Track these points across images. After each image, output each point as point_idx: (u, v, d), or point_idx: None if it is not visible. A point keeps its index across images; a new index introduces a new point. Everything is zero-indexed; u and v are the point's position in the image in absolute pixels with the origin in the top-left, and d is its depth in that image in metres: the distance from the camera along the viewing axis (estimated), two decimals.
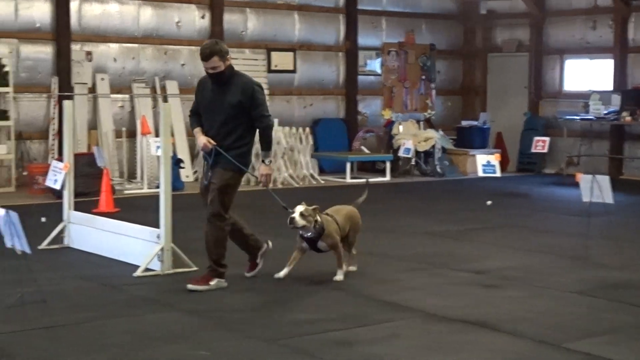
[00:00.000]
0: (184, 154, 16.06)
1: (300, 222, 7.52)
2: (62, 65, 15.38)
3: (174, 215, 8.15)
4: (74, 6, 15.63)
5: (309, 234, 7.68)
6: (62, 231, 9.42)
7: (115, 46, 16.19)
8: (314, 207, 7.64)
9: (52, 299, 6.97)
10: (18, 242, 6.94)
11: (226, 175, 7.44)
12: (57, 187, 9.55)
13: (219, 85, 7.51)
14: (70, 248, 9.32)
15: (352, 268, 8.15)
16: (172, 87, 16.60)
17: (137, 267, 8.15)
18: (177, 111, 16.23)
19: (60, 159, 10.78)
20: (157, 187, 8.45)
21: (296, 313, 6.80)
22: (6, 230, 7.02)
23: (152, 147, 13.49)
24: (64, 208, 9.48)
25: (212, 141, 7.47)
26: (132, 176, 15.75)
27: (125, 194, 14.18)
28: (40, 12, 15.38)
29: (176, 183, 13.17)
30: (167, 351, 5.80)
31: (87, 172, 12.92)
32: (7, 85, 14.41)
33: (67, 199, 9.47)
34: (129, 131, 15.82)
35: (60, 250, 9.23)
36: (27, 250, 6.90)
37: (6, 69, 14.47)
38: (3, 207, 7.25)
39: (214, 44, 7.49)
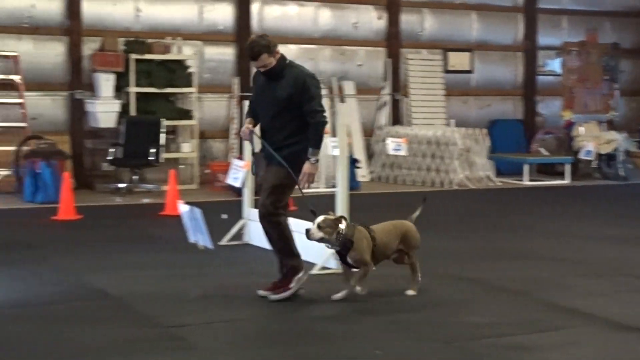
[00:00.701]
0: (360, 154, 16.17)
1: (316, 234, 6.83)
2: (243, 66, 15.80)
3: (350, 215, 8.20)
4: (254, 8, 16.03)
5: (334, 247, 6.97)
6: (242, 228, 9.66)
7: (294, 47, 16.47)
8: (336, 216, 6.96)
9: (233, 294, 7.15)
10: (201, 238, 7.18)
11: (281, 174, 6.98)
12: (238, 184, 9.79)
13: (272, 79, 7.03)
14: (250, 245, 9.53)
15: (411, 292, 7.23)
16: (349, 87, 16.74)
17: (313, 264, 8.26)
18: (353, 111, 16.36)
19: (240, 157, 11.05)
20: (334, 186, 8.50)
21: (472, 316, 6.70)
22: (190, 225, 7.27)
23: (328, 147, 13.58)
24: (244, 205, 9.72)
25: (250, 126, 7.14)
26: None
27: (303, 192, 14.36)
28: (223, 14, 15.85)
29: (352, 183, 13.24)
30: (342, 349, 5.84)
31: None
32: (191, 85, 14.93)
33: (247, 196, 9.70)
34: None
35: (239, 247, 9.47)
36: (209, 245, 7.12)
37: (190, 70, 14.99)
38: (187, 203, 7.51)
39: (259, 41, 6.92)
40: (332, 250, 8.03)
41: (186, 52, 15.23)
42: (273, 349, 5.84)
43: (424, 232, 7.65)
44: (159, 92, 14.66)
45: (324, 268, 8.17)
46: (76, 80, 14.58)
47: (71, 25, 14.56)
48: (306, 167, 6.94)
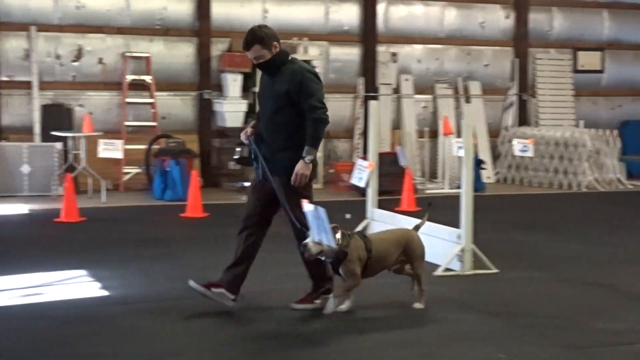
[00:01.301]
0: (485, 155, 15.97)
1: (313, 249, 6.31)
2: (368, 66, 15.82)
3: (475, 216, 8.11)
4: (380, 8, 16.02)
5: (328, 259, 6.51)
6: (365, 228, 9.66)
7: (419, 47, 16.41)
8: (331, 227, 6.32)
9: (358, 293, 7.15)
10: (325, 237, 7.19)
11: (284, 184, 6.57)
12: (362, 185, 9.80)
13: (270, 76, 6.65)
14: None
15: (418, 305, 6.82)
16: (474, 87, 16.55)
17: (436, 266, 8.19)
18: (479, 112, 16.17)
19: (365, 157, 11.05)
20: (458, 187, 8.42)
21: (604, 322, 6.51)
22: (314, 224, 7.30)
23: (453, 148, 13.51)
24: (367, 205, 9.73)
25: (250, 130, 6.81)
26: (433, 176, 15.89)
27: (426, 193, 14.31)
28: (349, 15, 15.90)
29: (477, 184, 13.07)
30: (466, 351, 5.78)
31: (390, 171, 13.16)
32: None
33: (371, 196, 9.70)
34: (431, 131, 15.98)
35: None
36: (333, 245, 7.13)
37: (316, 70, 15.06)
38: (311, 202, 7.55)
39: (255, 30, 6.55)
40: (456, 251, 7.96)
41: (312, 52, 15.34)
42: (395, 351, 5.82)
43: (556, 235, 7.47)
44: None
45: (448, 270, 8.09)
46: (204, 81, 14.88)
47: (200, 27, 14.86)
48: (298, 166, 6.48)
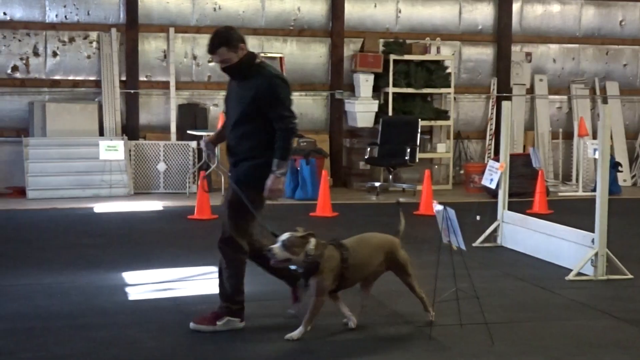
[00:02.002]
0: (622, 157, 15.52)
1: (280, 254, 5.87)
2: (502, 66, 15.61)
3: (610, 220, 7.90)
4: (515, 7, 15.77)
5: (299, 269, 6.04)
6: (495, 230, 9.54)
7: (555, 47, 16.08)
8: (304, 233, 5.96)
9: (486, 296, 7.07)
10: (454, 238, 7.14)
11: (236, 195, 6.20)
12: (493, 186, 9.69)
13: (237, 80, 6.26)
14: (503, 247, 9.41)
15: (431, 316, 6.37)
16: (612, 88, 16.11)
17: (568, 270, 8.03)
18: (616, 113, 15.74)
19: (496, 158, 10.92)
20: (593, 190, 8.24)
21: None
22: (443, 226, 7.25)
23: (589, 150, 13.21)
24: (498, 207, 9.60)
25: (208, 138, 6.51)
26: (566, 178, 15.56)
27: (560, 196, 14.02)
28: (483, 14, 15.72)
29: (613, 187, 12.73)
30: (599, 358, 5.64)
31: (522, 173, 12.97)
32: (448, 86, 14.91)
33: (502, 198, 9.57)
34: (565, 132, 15.64)
35: (493, 249, 9.36)
36: (463, 246, 7.06)
37: (448, 70, 14.98)
38: (441, 203, 7.51)
39: (221, 32, 6.21)
40: (590, 256, 7.77)
41: (444, 52, 15.24)
42: (527, 356, 5.73)
43: None
44: (417, 92, 14.77)
45: (580, 274, 7.92)
46: (337, 81, 14.97)
47: (334, 27, 14.95)
48: (269, 181, 6.08)
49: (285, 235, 5.92)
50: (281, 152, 6.06)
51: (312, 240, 5.93)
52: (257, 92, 6.06)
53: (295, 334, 5.88)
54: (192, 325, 6.17)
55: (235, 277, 6.18)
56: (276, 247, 5.88)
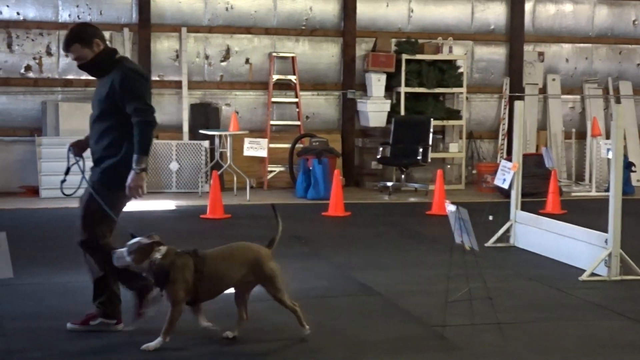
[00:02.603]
0: (635, 157, 15.45)
1: (122, 260, 5.68)
2: (514, 66, 15.57)
3: (623, 220, 7.87)
4: (528, 7, 15.74)
5: (150, 279, 5.81)
6: (508, 230, 9.52)
7: (567, 46, 16.05)
8: (151, 241, 5.70)
9: (499, 296, 7.06)
10: (467, 238, 7.12)
11: (90, 198, 6.02)
12: (505, 186, 9.66)
13: (97, 78, 6.10)
14: (515, 247, 9.39)
15: (306, 330, 5.95)
16: (625, 87, 16.06)
17: (581, 270, 8.01)
18: (630, 113, 15.68)
19: (509, 158, 10.89)
20: (606, 190, 8.21)
21: None
22: (456, 226, 7.24)
23: (602, 150, 13.17)
24: (511, 207, 9.58)
25: (73, 142, 6.34)
26: (579, 178, 15.51)
27: (572, 196, 13.98)
28: (495, 14, 15.69)
29: (626, 187, 12.68)
30: (612, 359, 5.64)
31: (535, 173, 12.93)
32: (460, 85, 14.89)
33: (515, 198, 9.55)
34: (578, 132, 15.61)
35: (505, 249, 9.34)
36: (475, 246, 7.05)
37: (460, 70, 14.96)
38: (454, 203, 7.49)
39: (74, 29, 6.08)
40: (603, 256, 7.74)
41: (457, 52, 15.21)
42: (541, 356, 5.71)
43: None
44: (429, 92, 14.75)
45: (593, 275, 7.89)
46: (348, 80, 14.96)
47: (346, 27, 14.94)
48: (130, 178, 5.87)
49: (133, 240, 5.70)
50: (139, 146, 5.86)
51: (162, 249, 5.71)
52: (112, 87, 5.91)
53: (153, 344, 5.66)
54: (68, 325, 6.09)
55: (106, 278, 6.02)
56: (120, 251, 5.71)
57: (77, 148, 6.28)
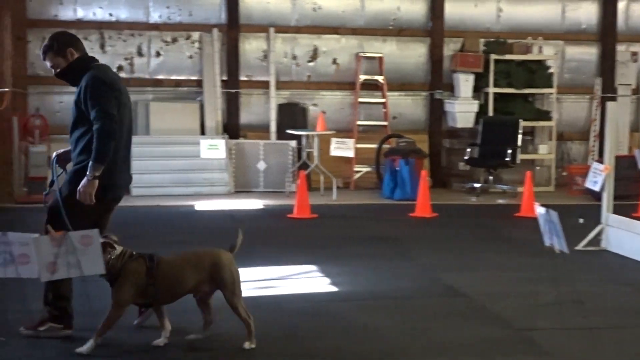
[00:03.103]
0: None
1: None
2: (606, 66, 15.27)
3: None
4: (621, 6, 15.41)
5: (105, 278, 5.73)
6: (599, 233, 9.34)
7: None
8: (105, 241, 5.61)
9: (589, 301, 6.93)
10: (557, 241, 7.02)
11: (58, 197, 5.97)
12: (597, 189, 9.49)
13: (74, 86, 6.13)
14: (607, 251, 9.19)
15: (249, 345, 5.77)
16: None
17: None
18: None
19: (600, 160, 10.68)
20: None
21: None
22: (545, 228, 7.14)
23: None
24: (602, 210, 9.39)
25: (58, 152, 6.31)
26: None
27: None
28: (587, 13, 15.41)
29: None
30: None
31: (627, 175, 12.65)
32: (550, 86, 14.66)
33: (606, 201, 9.36)
34: None
35: (596, 253, 9.16)
36: (565, 249, 6.95)
37: (551, 70, 14.73)
38: (543, 205, 7.39)
39: (49, 38, 6.16)
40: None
41: (547, 52, 14.98)
42: None
43: None
44: (518, 92, 14.56)
45: None
46: (436, 81, 14.87)
47: (433, 27, 14.85)
48: (81, 183, 5.84)
49: None
50: (95, 154, 5.83)
51: (116, 250, 5.67)
52: (79, 94, 5.98)
53: (85, 348, 5.59)
54: (21, 328, 6.01)
55: (55, 282, 5.83)
56: None
57: (61, 160, 6.30)
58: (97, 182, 5.85)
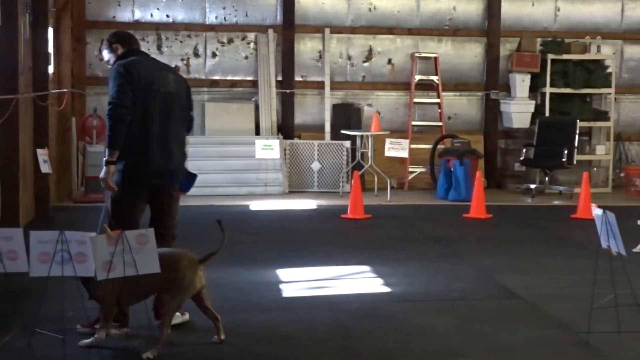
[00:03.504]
0: None
1: None
2: None
3: None
4: None
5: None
6: None
7: None
8: None
9: None
10: (614, 243, 6.93)
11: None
12: None
13: None
14: None
15: (147, 355, 5.41)
16: None
17: None
18: None
19: None
20: None
21: None
22: (602, 230, 7.04)
23: None
24: None
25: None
26: None
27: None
28: None
29: None
30: None
31: None
32: (609, 86, 14.47)
33: None
34: None
35: None
36: (623, 252, 6.84)
37: (609, 70, 14.54)
38: (600, 207, 7.29)
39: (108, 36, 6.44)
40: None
41: (605, 51, 14.79)
42: None
43: None
44: (575, 92, 14.39)
45: None
46: (492, 81, 14.76)
47: (490, 26, 14.75)
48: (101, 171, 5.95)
49: None
50: (107, 139, 5.91)
51: None
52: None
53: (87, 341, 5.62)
54: (78, 326, 5.96)
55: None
56: None
57: None
58: (113, 167, 5.90)
